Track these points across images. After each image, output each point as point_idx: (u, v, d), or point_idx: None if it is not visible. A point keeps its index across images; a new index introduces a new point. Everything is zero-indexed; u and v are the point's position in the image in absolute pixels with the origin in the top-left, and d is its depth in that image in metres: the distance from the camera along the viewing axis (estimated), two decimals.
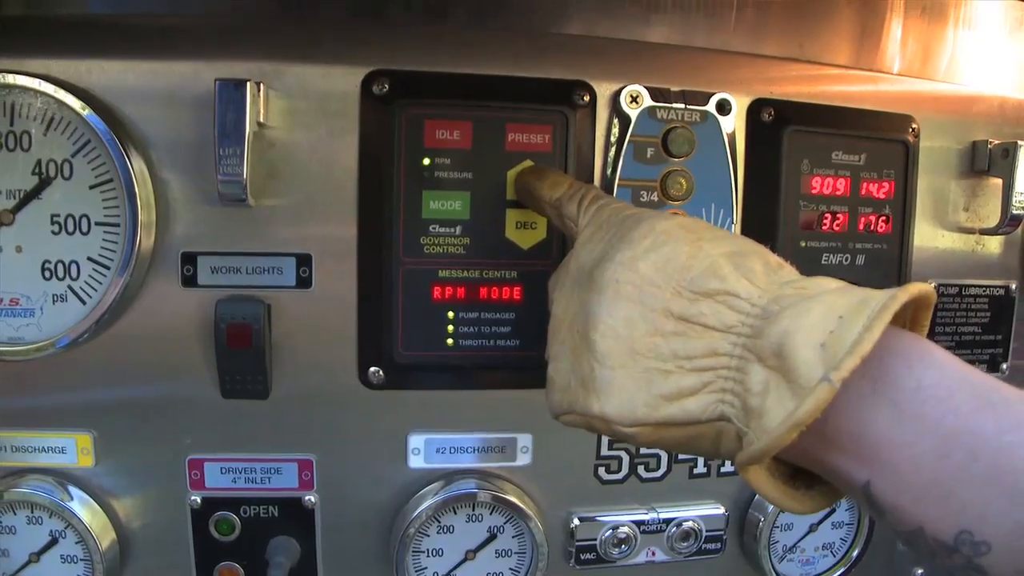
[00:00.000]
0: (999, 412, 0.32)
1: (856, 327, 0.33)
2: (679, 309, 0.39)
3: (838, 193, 0.64)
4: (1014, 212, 0.67)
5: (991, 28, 0.74)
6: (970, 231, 0.71)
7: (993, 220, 0.69)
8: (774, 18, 0.66)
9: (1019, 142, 0.67)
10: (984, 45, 0.74)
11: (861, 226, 0.65)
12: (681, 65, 0.62)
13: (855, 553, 0.69)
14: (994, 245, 0.72)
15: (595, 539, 0.63)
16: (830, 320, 0.34)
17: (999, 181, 0.69)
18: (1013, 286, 0.73)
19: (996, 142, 0.68)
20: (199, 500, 0.59)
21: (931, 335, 0.66)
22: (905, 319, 0.37)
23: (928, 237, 0.69)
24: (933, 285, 0.68)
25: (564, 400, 0.43)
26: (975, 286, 0.71)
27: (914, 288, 0.35)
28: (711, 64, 0.62)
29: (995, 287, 0.72)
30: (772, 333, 0.36)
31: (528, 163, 0.58)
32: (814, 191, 0.63)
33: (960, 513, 0.32)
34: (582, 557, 0.63)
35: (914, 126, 0.67)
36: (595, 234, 0.46)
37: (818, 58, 0.66)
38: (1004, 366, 0.74)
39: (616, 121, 0.60)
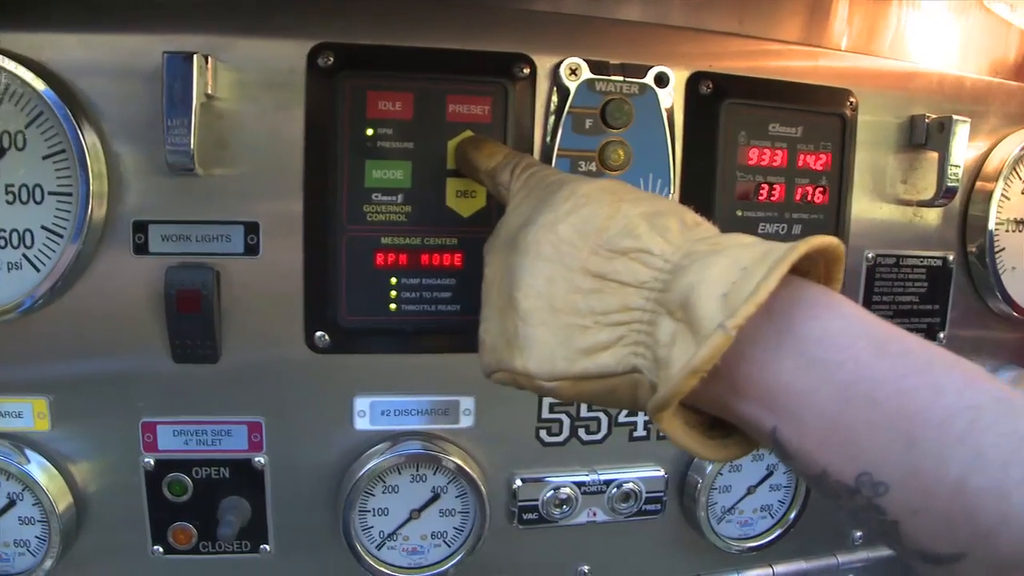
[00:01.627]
0: (897, 360, 0.36)
1: (756, 278, 0.36)
2: (596, 267, 0.43)
3: (775, 164, 0.69)
4: (949, 185, 0.72)
5: (935, 6, 0.78)
6: (908, 203, 0.75)
7: (930, 192, 0.74)
8: None
9: (954, 116, 0.72)
10: (927, 22, 0.78)
11: (798, 197, 0.70)
12: (621, 39, 0.66)
13: (792, 515, 0.74)
14: (932, 217, 0.77)
15: (537, 500, 0.68)
16: (733, 272, 0.38)
17: (936, 155, 0.73)
18: (951, 257, 0.78)
19: (933, 117, 0.73)
20: (152, 462, 0.64)
21: (869, 304, 0.72)
22: (819, 274, 0.41)
23: (867, 208, 0.74)
24: (872, 254, 0.73)
25: (493, 359, 0.47)
26: (912, 256, 0.76)
27: (815, 240, 0.38)
28: (651, 38, 0.67)
29: (933, 258, 0.78)
30: (679, 286, 0.39)
31: (468, 133, 0.63)
32: (751, 162, 0.68)
33: (860, 456, 0.35)
34: (524, 517, 0.68)
35: (852, 100, 0.71)
36: (524, 200, 0.51)
37: (759, 33, 0.71)
38: (941, 335, 0.79)
39: (556, 93, 0.64)
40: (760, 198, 0.69)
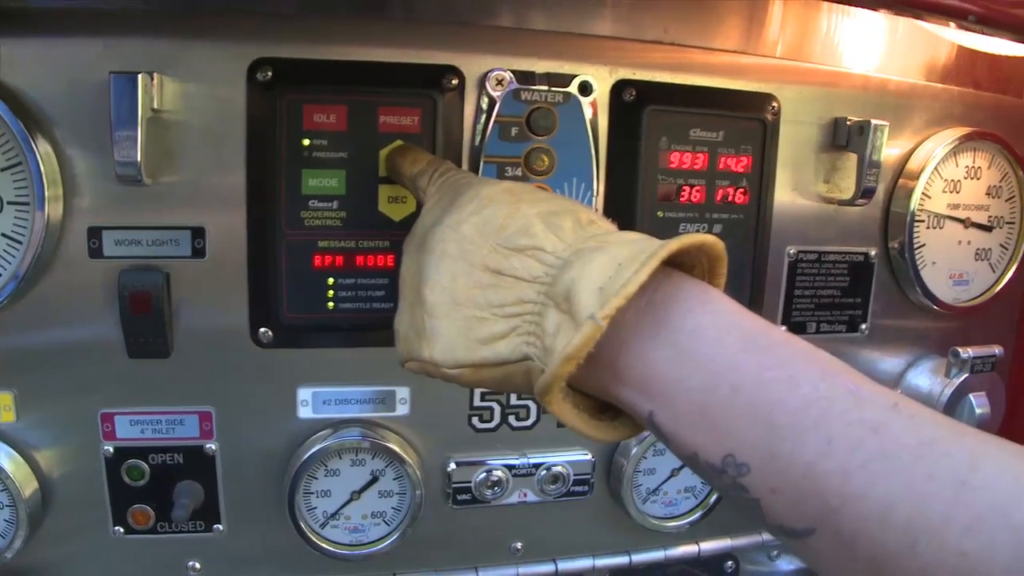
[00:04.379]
0: (762, 353, 0.42)
1: (628, 272, 0.42)
2: (495, 264, 0.50)
3: (696, 167, 0.77)
4: (867, 185, 0.81)
5: (866, 12, 0.86)
6: (831, 202, 0.84)
7: (851, 192, 0.83)
8: (640, 3, 0.78)
9: (872, 120, 0.80)
10: (856, 28, 0.86)
11: (719, 198, 0.78)
12: (547, 49, 0.74)
13: (713, 497, 0.84)
14: (855, 214, 0.86)
15: (470, 482, 0.78)
16: (610, 267, 0.44)
17: (856, 156, 0.82)
18: (873, 252, 0.87)
19: (854, 119, 0.81)
20: (111, 450, 0.73)
21: (791, 297, 0.81)
22: (703, 271, 0.48)
23: (790, 207, 0.83)
24: (794, 251, 0.81)
25: (405, 349, 0.55)
26: (834, 252, 0.85)
27: (688, 238, 0.44)
28: (576, 48, 0.75)
29: (855, 253, 0.86)
30: (564, 280, 0.45)
31: (399, 143, 0.71)
32: (672, 166, 0.77)
33: (725, 439, 0.41)
34: (459, 498, 0.78)
35: (774, 104, 0.80)
36: (437, 203, 0.58)
37: (683, 41, 0.79)
38: (863, 326, 0.89)
39: (483, 102, 0.73)
40: (681, 199, 0.77)
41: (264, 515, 0.77)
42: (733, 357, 0.42)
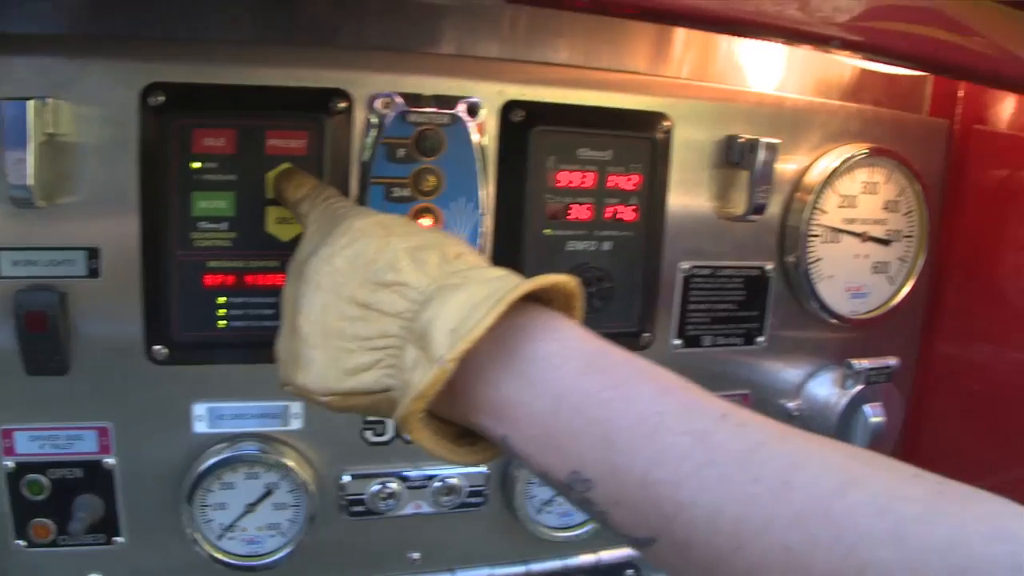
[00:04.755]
0: (601, 374, 0.45)
1: (479, 315, 0.46)
2: (362, 297, 0.53)
3: (584, 186, 0.80)
4: (757, 202, 0.83)
5: None
6: (725, 217, 0.86)
7: (743, 208, 0.85)
8: (530, 25, 0.80)
9: (761, 139, 0.83)
10: (750, 46, 0.89)
11: (608, 215, 0.81)
12: (435, 71, 0.77)
13: None
14: (751, 229, 0.89)
15: (364, 494, 0.80)
16: (464, 309, 0.47)
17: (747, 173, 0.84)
18: (769, 266, 0.90)
19: (745, 137, 0.84)
20: (12, 465, 0.76)
21: (685, 311, 0.84)
22: (561, 302, 0.51)
23: (683, 223, 0.86)
24: (688, 265, 0.84)
25: (283, 373, 0.58)
26: (729, 267, 0.88)
27: (539, 281, 0.48)
28: (465, 69, 0.78)
29: (750, 268, 0.89)
30: (423, 319, 0.48)
31: (286, 165, 0.74)
32: (560, 184, 0.79)
33: (569, 457, 0.44)
34: (353, 509, 0.81)
35: (665, 123, 0.82)
36: (315, 232, 0.61)
37: (574, 62, 0.82)
38: (760, 339, 0.91)
39: (371, 125, 0.75)
40: (569, 217, 0.80)
41: (163, 528, 0.79)
42: (574, 380, 0.45)
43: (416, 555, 0.85)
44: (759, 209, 0.84)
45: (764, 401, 0.94)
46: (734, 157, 0.85)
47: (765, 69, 0.92)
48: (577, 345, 0.48)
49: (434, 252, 0.54)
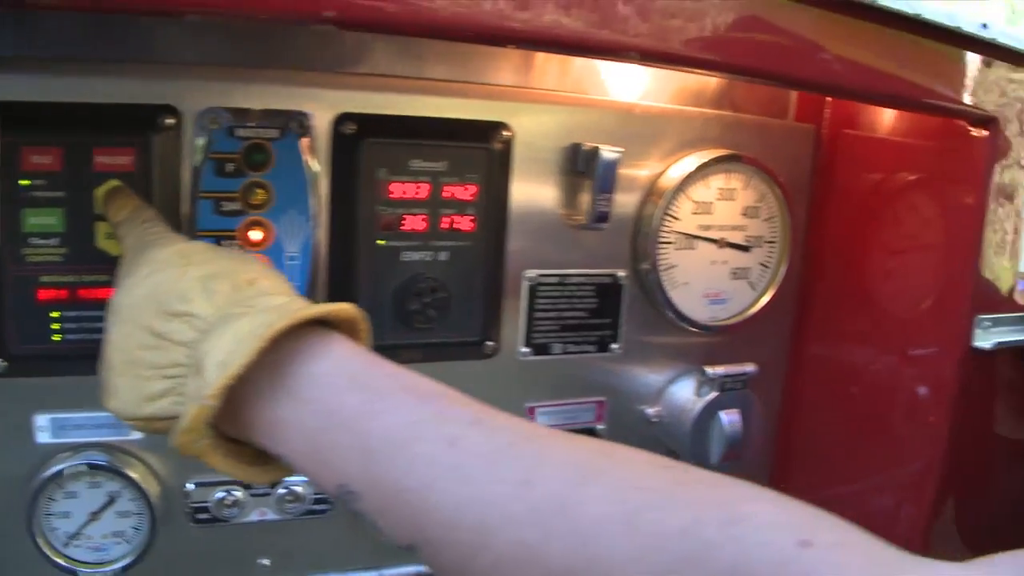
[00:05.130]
0: (365, 390, 0.48)
1: (242, 350, 0.48)
2: (157, 327, 0.55)
3: (418, 197, 0.81)
4: (599, 211, 0.84)
5: None
6: (573, 226, 0.87)
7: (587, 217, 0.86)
8: (364, 36, 0.82)
9: (601, 147, 0.83)
10: None
11: (444, 225, 0.82)
12: (265, 85, 0.78)
13: None
14: (603, 237, 0.89)
15: (208, 501, 0.82)
16: (232, 343, 0.49)
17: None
18: (621, 274, 0.90)
19: (588, 145, 0.84)
20: None
21: (532, 320, 0.84)
22: (347, 327, 0.55)
23: (529, 231, 0.86)
24: (534, 274, 0.85)
25: (100, 394, 0.61)
26: (578, 275, 0.89)
27: (308, 312, 0.51)
28: (295, 83, 0.79)
29: (601, 276, 0.90)
30: (201, 349, 0.51)
31: (114, 182, 0.75)
32: (392, 196, 0.80)
33: (337, 471, 0.47)
34: (199, 517, 0.83)
35: (505, 133, 0.83)
36: (129, 259, 0.64)
37: (408, 73, 0.83)
38: (614, 346, 0.92)
39: (200, 140, 0.77)
40: (403, 228, 0.81)
41: (8, 537, 0.81)
42: (340, 397, 0.48)
43: (267, 561, 0.87)
44: (602, 217, 0.85)
45: (623, 407, 0.95)
46: (579, 165, 0.86)
47: (611, 76, 0.92)
48: (346, 364, 0.51)
49: (226, 280, 0.56)
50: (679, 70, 0.86)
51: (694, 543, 0.39)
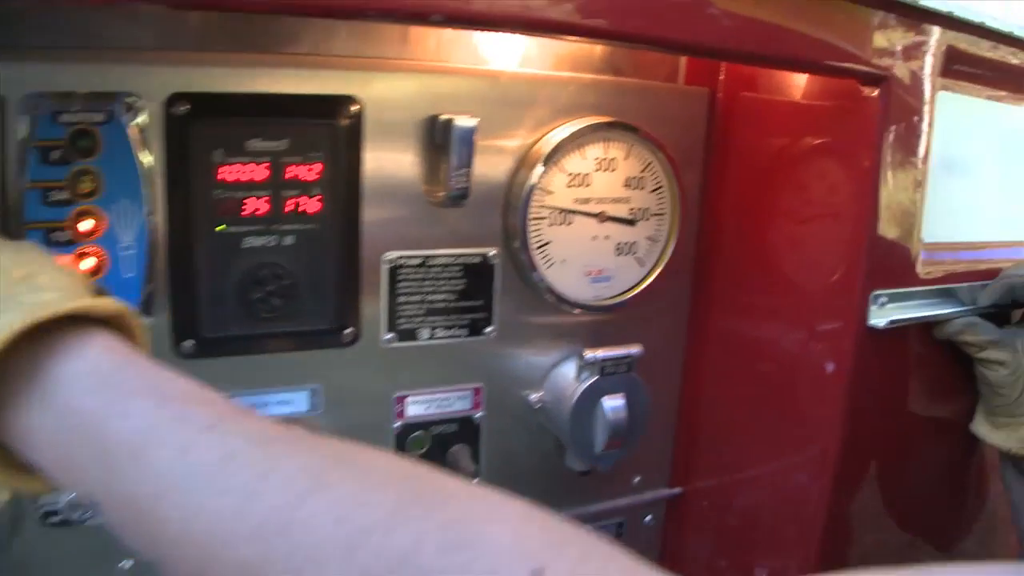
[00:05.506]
0: (106, 393, 0.44)
1: None
2: None
3: (257, 179, 0.77)
4: (455, 187, 0.79)
5: None
6: (435, 203, 0.82)
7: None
8: (196, 13, 0.78)
9: (455, 118, 0.79)
10: None
11: (288, 208, 0.78)
12: (91, 67, 0.74)
13: None
14: (471, 214, 0.85)
15: (59, 503, 0.80)
16: None
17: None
18: (491, 253, 0.86)
19: (444, 116, 0.80)
20: None
21: (395, 305, 0.81)
22: (118, 324, 0.50)
23: (386, 211, 0.82)
24: (393, 256, 0.81)
25: None
26: (443, 255, 0.84)
27: (39, 316, 0.46)
28: (122, 63, 0.75)
29: (469, 255, 0.85)
30: None
31: None
32: (230, 179, 0.76)
33: (81, 480, 0.44)
34: (50, 520, 0.80)
35: (353, 107, 0.78)
36: None
37: (245, 47, 0.78)
38: (488, 329, 0.87)
39: (22, 127, 0.73)
40: (244, 213, 0.77)
41: None
42: (82, 399, 0.44)
43: (128, 564, 0.84)
44: (460, 194, 0.80)
45: (504, 393, 0.91)
46: (436, 138, 0.81)
47: (492, 44, 0.87)
48: (99, 363, 0.46)
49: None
50: (545, 36, 0.81)
51: (411, 570, 0.35)
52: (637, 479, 1.03)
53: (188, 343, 0.78)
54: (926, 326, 0.87)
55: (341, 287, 0.82)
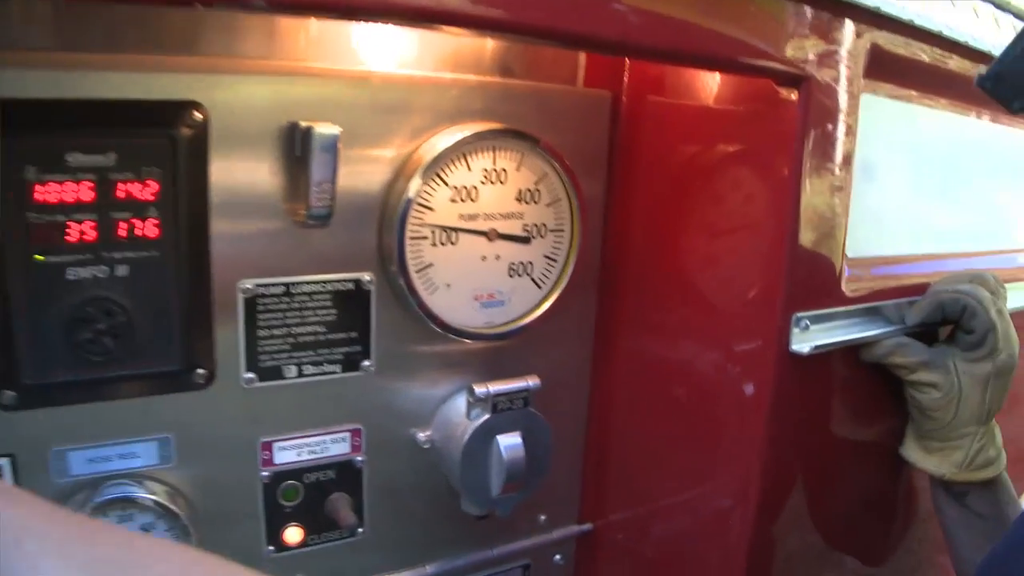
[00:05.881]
0: None
1: None
2: None
3: (83, 199, 0.66)
4: (315, 204, 0.70)
5: None
6: (299, 223, 0.72)
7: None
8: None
9: (315, 126, 0.69)
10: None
11: (120, 233, 0.67)
12: None
13: None
14: (341, 236, 0.75)
15: None
16: None
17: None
18: (366, 278, 0.76)
19: (303, 124, 0.70)
20: None
21: (258, 340, 0.71)
22: None
23: (241, 233, 0.72)
24: (250, 285, 0.71)
25: None
26: (310, 283, 0.74)
27: None
28: None
29: (340, 281, 0.75)
30: None
31: None
32: (47, 200, 0.65)
33: None
34: None
35: (197, 114, 0.68)
36: None
37: (67, 47, 0.67)
38: (366, 363, 0.78)
39: None
40: (68, 239, 0.66)
41: None
42: None
43: None
44: (323, 211, 0.71)
45: (387, 434, 0.81)
46: (296, 149, 0.71)
47: (364, 41, 0.77)
48: None
49: None
50: (424, 27, 0.72)
51: None
52: (543, 518, 0.95)
53: (7, 394, 0.67)
54: (852, 347, 0.80)
55: (189, 322, 0.71)
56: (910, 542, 1.03)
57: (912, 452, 0.87)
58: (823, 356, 0.78)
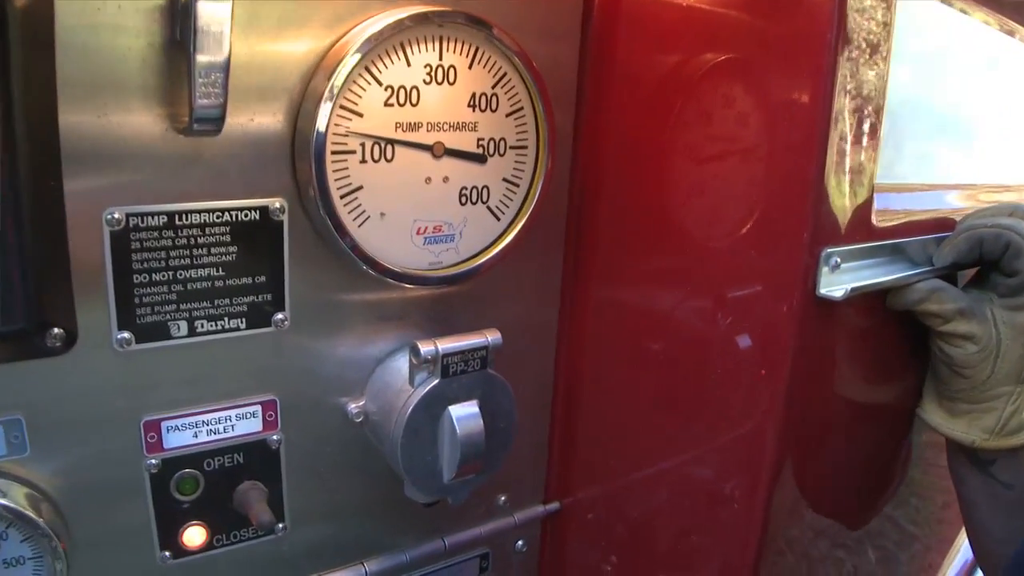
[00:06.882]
0: None
1: None
2: None
3: None
4: (200, 103, 0.53)
5: None
6: (179, 132, 0.56)
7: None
8: None
9: None
10: None
11: None
12: None
13: None
14: (243, 148, 0.60)
15: None
16: None
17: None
18: (277, 205, 0.61)
19: None
20: None
21: (134, 288, 0.54)
22: None
23: (106, 147, 0.55)
24: (119, 215, 0.54)
25: None
26: (203, 211, 0.59)
27: None
28: None
29: (243, 210, 0.60)
30: None
31: None
32: None
33: None
34: None
35: None
36: None
37: None
38: (279, 316, 0.63)
39: None
40: None
41: None
42: None
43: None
44: (211, 112, 0.54)
45: (309, 405, 0.67)
46: (177, 32, 0.54)
47: None
48: None
49: None
50: None
51: None
52: (503, 499, 0.82)
53: None
54: (874, 293, 0.68)
55: (37, 267, 0.54)
56: (902, 500, 0.94)
57: (933, 415, 0.76)
58: (843, 304, 0.65)
